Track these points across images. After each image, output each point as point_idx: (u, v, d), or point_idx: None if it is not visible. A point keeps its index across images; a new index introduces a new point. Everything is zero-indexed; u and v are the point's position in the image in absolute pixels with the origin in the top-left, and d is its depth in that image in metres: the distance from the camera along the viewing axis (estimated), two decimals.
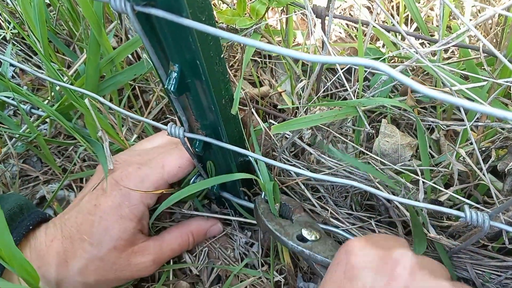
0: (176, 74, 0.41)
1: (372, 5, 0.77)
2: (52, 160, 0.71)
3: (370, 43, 0.70)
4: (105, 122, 0.62)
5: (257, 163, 0.60)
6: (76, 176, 0.71)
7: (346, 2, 0.76)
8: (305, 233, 0.55)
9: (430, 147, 0.65)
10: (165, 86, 0.42)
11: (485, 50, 0.48)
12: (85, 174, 0.72)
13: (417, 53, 0.42)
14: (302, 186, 0.63)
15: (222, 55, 0.45)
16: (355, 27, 0.77)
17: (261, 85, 0.80)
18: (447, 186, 0.59)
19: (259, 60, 0.80)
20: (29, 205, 0.55)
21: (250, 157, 0.62)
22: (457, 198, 0.57)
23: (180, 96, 0.45)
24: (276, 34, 0.74)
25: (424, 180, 0.47)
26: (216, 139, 0.51)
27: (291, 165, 0.64)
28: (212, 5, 0.63)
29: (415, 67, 0.64)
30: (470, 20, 0.73)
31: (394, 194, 0.56)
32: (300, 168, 0.63)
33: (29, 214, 0.54)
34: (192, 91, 0.45)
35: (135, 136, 0.70)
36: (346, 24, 0.75)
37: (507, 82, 0.43)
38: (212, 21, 0.40)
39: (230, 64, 0.76)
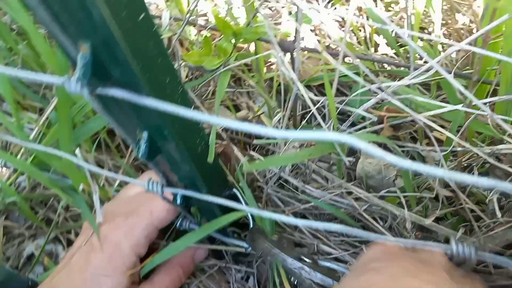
0: (144, 141, 0.40)
1: (342, 20, 0.76)
2: (33, 217, 0.70)
3: (343, 62, 0.69)
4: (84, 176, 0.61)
5: (244, 192, 0.59)
6: (61, 229, 0.70)
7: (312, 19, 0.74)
8: (303, 256, 0.54)
9: (414, 158, 0.65)
10: (136, 154, 0.41)
11: (457, 74, 0.47)
12: (71, 227, 0.70)
13: (382, 91, 0.41)
14: (291, 216, 0.63)
15: (192, 107, 0.44)
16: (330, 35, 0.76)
17: (238, 110, 0.79)
18: (436, 198, 0.59)
19: (233, 84, 0.78)
20: (12, 276, 0.53)
21: (235, 191, 0.62)
22: (447, 214, 0.57)
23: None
24: (249, 56, 0.72)
25: (410, 213, 0.46)
26: (195, 190, 0.50)
27: (277, 196, 0.64)
28: (178, 47, 0.61)
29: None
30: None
31: (382, 220, 0.56)
32: (288, 198, 0.63)
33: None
34: (164, 152, 0.44)
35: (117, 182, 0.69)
36: (318, 40, 0.74)
37: (476, 107, 0.42)
38: (176, 79, 0.39)
39: (203, 97, 0.75)
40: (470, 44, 0.37)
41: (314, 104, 0.49)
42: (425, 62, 0.51)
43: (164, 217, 0.56)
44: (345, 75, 0.67)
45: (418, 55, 0.61)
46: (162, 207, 0.55)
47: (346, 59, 0.72)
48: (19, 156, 0.76)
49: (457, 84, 0.34)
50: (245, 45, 0.78)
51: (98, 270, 0.52)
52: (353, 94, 0.45)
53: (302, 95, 0.48)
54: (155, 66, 0.35)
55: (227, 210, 0.58)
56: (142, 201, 0.57)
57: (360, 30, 0.76)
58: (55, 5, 0.27)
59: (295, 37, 0.52)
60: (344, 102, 0.47)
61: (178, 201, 0.51)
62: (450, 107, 0.42)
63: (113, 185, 0.69)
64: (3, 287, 0.51)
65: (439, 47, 0.61)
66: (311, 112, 0.58)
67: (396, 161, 0.28)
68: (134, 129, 0.41)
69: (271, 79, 0.75)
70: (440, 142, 0.54)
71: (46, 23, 0.30)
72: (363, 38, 0.75)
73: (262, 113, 0.77)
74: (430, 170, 0.27)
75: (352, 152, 0.70)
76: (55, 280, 0.53)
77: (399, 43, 0.67)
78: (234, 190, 0.60)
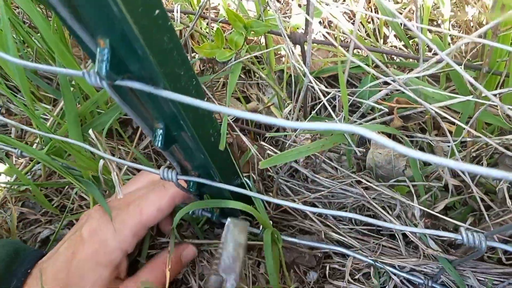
0: (161, 131, 0.41)
1: (351, 12, 0.76)
2: (47, 203, 0.72)
3: (353, 54, 0.69)
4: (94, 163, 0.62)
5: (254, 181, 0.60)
6: (75, 216, 0.72)
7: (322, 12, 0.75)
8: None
9: (423, 149, 0.65)
10: (153, 144, 0.42)
11: (467, 65, 0.48)
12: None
13: (394, 81, 0.42)
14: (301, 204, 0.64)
15: (205, 99, 0.45)
16: (338, 26, 0.77)
17: (248, 101, 0.79)
18: (444, 188, 0.60)
19: (243, 76, 0.79)
20: (23, 248, 0.55)
21: (246, 180, 0.63)
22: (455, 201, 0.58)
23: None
24: (259, 49, 0.73)
25: (418, 206, 0.47)
26: (208, 178, 0.52)
27: (288, 185, 0.65)
28: (190, 40, 0.62)
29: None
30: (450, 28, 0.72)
31: (390, 208, 0.57)
32: (298, 188, 0.64)
33: (25, 257, 0.54)
34: (180, 142, 0.45)
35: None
36: (327, 32, 0.74)
37: (486, 98, 0.43)
38: (190, 72, 0.40)
39: (214, 89, 0.76)
40: (480, 36, 0.37)
41: (325, 96, 0.49)
42: (435, 54, 0.52)
43: (154, 216, 0.56)
44: (355, 67, 0.68)
45: (428, 47, 0.61)
46: (153, 206, 0.56)
47: (356, 51, 0.72)
48: (34, 146, 0.78)
49: (467, 76, 0.35)
50: (255, 38, 0.79)
51: (82, 264, 0.53)
52: (365, 87, 0.46)
53: (313, 87, 0.49)
54: (170, 60, 0.36)
55: (238, 198, 0.59)
56: (136, 198, 0.57)
57: (369, 22, 0.77)
58: (75, 3, 0.28)
59: (305, 29, 0.53)
60: (356, 95, 0.48)
61: (192, 189, 0.52)
62: (461, 98, 0.43)
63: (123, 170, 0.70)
64: (19, 255, 0.53)
65: (448, 39, 0.62)
66: (320, 104, 0.59)
67: (406, 151, 0.28)
68: (151, 119, 0.42)
69: (281, 71, 0.76)
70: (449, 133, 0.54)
71: (65, 20, 0.31)
72: (372, 30, 0.76)
73: (272, 104, 0.78)
74: (440, 161, 0.28)
75: (362, 143, 0.71)
76: (44, 266, 0.54)
77: (408, 35, 0.68)
78: (245, 179, 0.62)
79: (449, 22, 0.57)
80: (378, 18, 0.69)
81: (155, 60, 0.33)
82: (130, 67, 0.33)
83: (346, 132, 0.27)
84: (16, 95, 0.89)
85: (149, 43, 0.31)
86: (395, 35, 0.69)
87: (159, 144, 0.42)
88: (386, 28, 0.72)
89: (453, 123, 0.58)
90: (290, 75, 0.72)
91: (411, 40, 0.66)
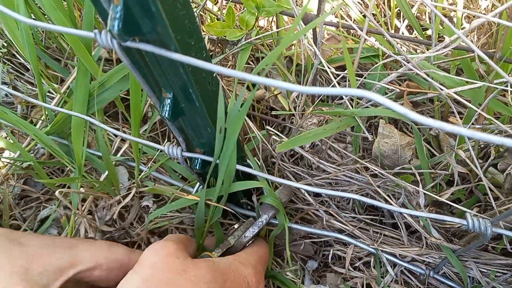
0: (169, 100, 0.41)
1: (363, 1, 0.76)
2: (49, 182, 0.71)
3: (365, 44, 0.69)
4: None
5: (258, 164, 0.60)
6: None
7: None
8: None
9: (429, 143, 0.65)
10: (160, 114, 0.42)
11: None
12: (86, 194, 0.72)
13: (408, 62, 0.42)
14: (304, 192, 0.63)
15: (214, 74, 0.45)
16: (348, 21, 0.76)
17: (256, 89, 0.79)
18: (449, 182, 0.59)
19: (252, 63, 0.79)
20: None
21: (249, 163, 0.62)
22: (460, 193, 0.57)
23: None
24: (267, 38, 0.73)
25: (424, 191, 0.47)
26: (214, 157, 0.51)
27: (291, 171, 0.65)
28: (200, 20, 0.62)
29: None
30: (464, 18, 0.72)
31: (394, 197, 0.57)
32: (302, 174, 0.63)
33: None
34: (187, 114, 0.45)
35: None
36: (337, 22, 0.74)
37: (500, 83, 0.42)
38: (201, 43, 0.40)
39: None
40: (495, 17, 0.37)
41: (335, 78, 0.49)
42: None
43: None
44: (365, 57, 0.68)
45: (439, 40, 0.61)
46: None
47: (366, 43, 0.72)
48: (38, 125, 0.78)
49: (484, 55, 0.35)
50: (265, 25, 0.78)
51: None
52: (376, 65, 0.46)
53: (322, 71, 0.48)
54: (182, 27, 0.36)
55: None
56: None
57: (381, 16, 0.76)
58: None
59: (317, 10, 0.53)
60: (366, 75, 0.48)
61: (197, 166, 0.52)
62: (473, 83, 0.42)
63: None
64: None
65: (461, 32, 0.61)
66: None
67: (419, 118, 0.28)
68: (160, 88, 0.41)
69: (291, 60, 0.76)
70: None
71: None
72: (384, 22, 0.76)
73: (279, 93, 0.77)
74: (453, 129, 0.28)
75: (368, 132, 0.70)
76: None
77: (422, 26, 0.67)
78: (248, 161, 0.61)
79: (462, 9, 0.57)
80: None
81: (168, 23, 0.33)
82: (142, 28, 0.33)
83: (356, 95, 0.26)
84: (24, 73, 0.89)
85: (162, 4, 0.31)
86: (407, 28, 0.69)
87: (167, 115, 0.41)
88: (398, 21, 0.72)
89: (461, 118, 0.57)
90: (298, 64, 0.72)
91: (424, 32, 0.66)
